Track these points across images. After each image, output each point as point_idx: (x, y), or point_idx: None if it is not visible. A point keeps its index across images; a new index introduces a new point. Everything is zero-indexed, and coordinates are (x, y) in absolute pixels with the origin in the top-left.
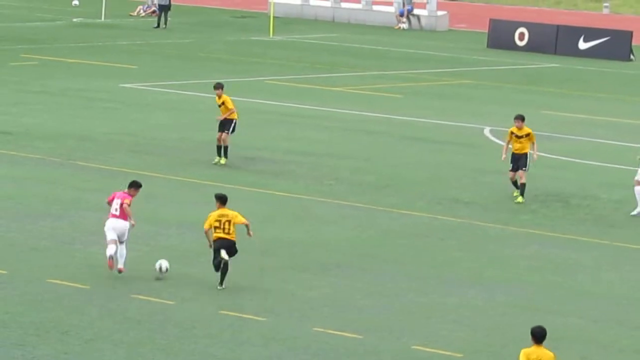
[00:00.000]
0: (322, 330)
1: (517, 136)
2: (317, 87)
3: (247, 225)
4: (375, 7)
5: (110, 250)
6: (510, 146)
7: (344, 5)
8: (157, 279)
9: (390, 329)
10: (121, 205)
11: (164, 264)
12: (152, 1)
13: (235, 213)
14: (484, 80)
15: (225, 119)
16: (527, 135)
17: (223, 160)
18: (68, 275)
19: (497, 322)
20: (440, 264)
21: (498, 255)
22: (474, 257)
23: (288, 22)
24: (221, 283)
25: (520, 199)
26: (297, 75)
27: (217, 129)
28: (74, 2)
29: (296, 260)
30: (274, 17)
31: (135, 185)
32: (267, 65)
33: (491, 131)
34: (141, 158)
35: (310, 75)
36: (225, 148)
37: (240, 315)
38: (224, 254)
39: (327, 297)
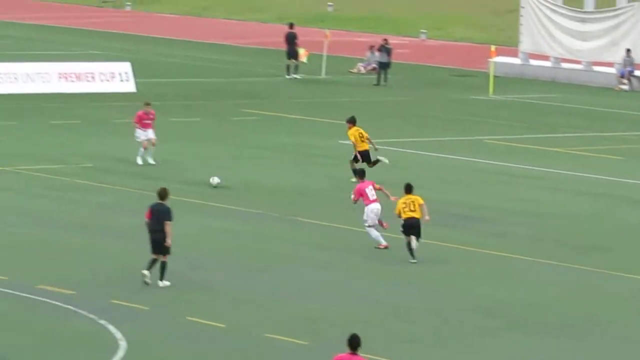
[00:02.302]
0: None
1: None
2: (537, 147)
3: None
4: (595, 68)
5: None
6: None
7: (564, 65)
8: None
9: None
10: (378, 189)
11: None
12: (372, 58)
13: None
14: None
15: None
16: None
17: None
18: (286, 330)
19: None
20: None
21: None
22: None
23: (508, 81)
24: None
25: None
26: (517, 135)
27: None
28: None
29: (516, 320)
30: (493, 76)
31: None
32: (486, 125)
33: None
34: (356, 214)
35: (530, 135)
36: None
37: None
38: (413, 240)
39: None
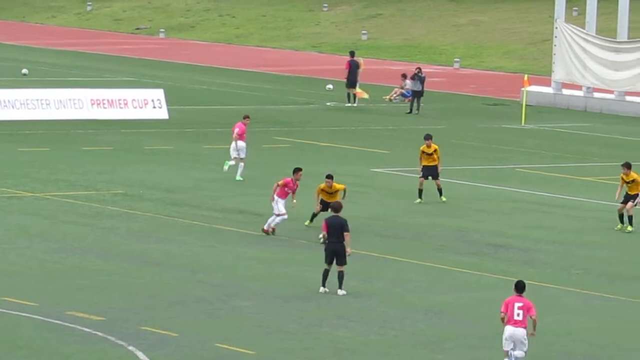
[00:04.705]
0: None
1: (427, 154)
2: (568, 176)
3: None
4: (628, 98)
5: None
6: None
7: (596, 95)
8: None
9: None
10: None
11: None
12: (403, 85)
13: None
14: None
15: (433, 167)
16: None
17: (444, 198)
18: (315, 358)
19: None
20: None
21: None
22: None
23: (540, 110)
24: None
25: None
26: (548, 164)
27: (422, 174)
28: (327, 86)
29: (543, 348)
30: (526, 105)
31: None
32: (518, 154)
33: None
34: (390, 242)
35: (561, 165)
36: (440, 190)
37: None
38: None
39: None
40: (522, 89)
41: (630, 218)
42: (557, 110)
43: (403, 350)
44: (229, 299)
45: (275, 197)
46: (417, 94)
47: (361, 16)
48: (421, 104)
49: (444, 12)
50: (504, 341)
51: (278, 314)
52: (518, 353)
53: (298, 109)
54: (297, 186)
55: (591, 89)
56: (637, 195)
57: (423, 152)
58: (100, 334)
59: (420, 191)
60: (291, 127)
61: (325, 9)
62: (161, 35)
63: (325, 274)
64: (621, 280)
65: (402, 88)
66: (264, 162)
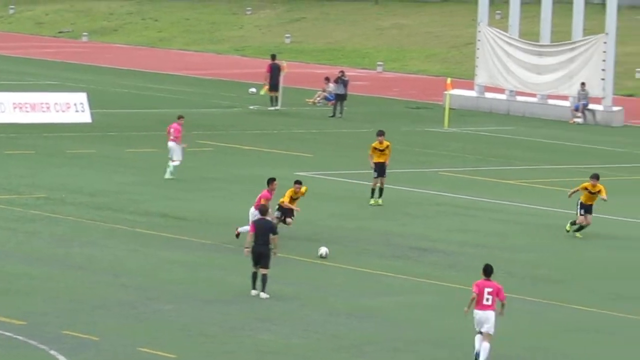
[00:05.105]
0: None
1: (379, 150)
2: (491, 179)
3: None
4: (550, 101)
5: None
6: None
7: (519, 98)
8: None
9: None
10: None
11: (323, 250)
12: (326, 88)
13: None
14: None
15: (383, 163)
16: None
17: (381, 201)
18: None
19: None
20: None
21: None
22: None
23: (463, 114)
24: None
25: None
26: (471, 167)
27: (375, 174)
28: (250, 90)
29: (467, 351)
30: (449, 108)
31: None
32: (441, 157)
33: None
34: (313, 246)
35: (484, 168)
36: (381, 190)
37: None
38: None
39: None
40: (445, 92)
41: (581, 228)
42: (480, 114)
43: (325, 354)
44: (151, 303)
45: (255, 212)
46: (340, 98)
47: (284, 20)
48: (344, 108)
49: (367, 15)
50: (475, 322)
51: (200, 317)
52: (484, 345)
53: (221, 113)
54: (272, 195)
55: (514, 93)
56: (592, 206)
57: (375, 148)
58: (21, 338)
59: (373, 191)
60: (214, 131)
61: (248, 13)
62: (84, 39)
63: (254, 276)
64: (544, 283)
65: (325, 91)
66: (187, 166)
